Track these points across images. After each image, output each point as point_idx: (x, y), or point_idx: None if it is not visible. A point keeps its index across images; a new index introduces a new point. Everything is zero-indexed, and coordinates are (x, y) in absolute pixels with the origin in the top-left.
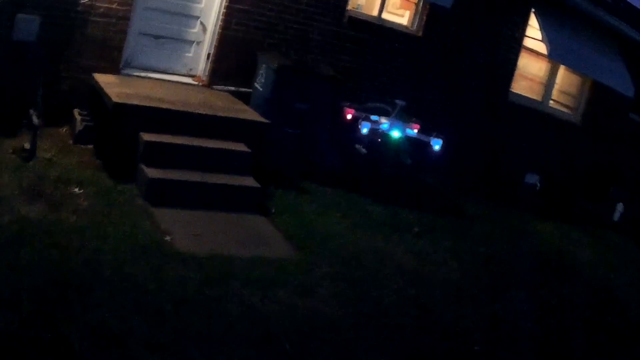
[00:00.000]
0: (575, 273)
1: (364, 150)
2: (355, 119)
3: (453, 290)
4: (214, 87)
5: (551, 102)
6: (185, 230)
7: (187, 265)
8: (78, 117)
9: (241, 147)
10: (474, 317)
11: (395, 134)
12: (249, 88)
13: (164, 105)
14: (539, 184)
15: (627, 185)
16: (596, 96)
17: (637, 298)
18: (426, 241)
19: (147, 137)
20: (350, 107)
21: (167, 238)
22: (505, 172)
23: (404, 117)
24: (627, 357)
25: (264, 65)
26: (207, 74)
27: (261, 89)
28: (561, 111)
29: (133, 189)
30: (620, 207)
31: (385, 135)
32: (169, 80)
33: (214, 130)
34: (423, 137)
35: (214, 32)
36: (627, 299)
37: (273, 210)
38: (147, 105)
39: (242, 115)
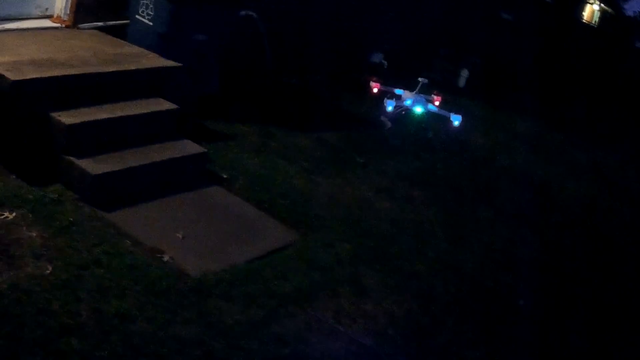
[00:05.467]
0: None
1: (389, 124)
2: (380, 93)
3: (450, 234)
4: (80, 26)
5: None
6: (168, 239)
7: (225, 299)
8: None
9: (164, 104)
10: (492, 263)
11: (418, 109)
12: (121, 20)
13: (68, 71)
14: (385, 62)
15: (463, 46)
16: None
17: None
18: (375, 172)
19: (66, 119)
20: (376, 81)
21: (165, 258)
22: (353, 58)
23: (426, 91)
24: None
25: None
26: (68, 12)
27: (151, 23)
28: None
29: (65, 192)
30: (464, 73)
31: (409, 110)
32: (27, 29)
33: (128, 90)
34: (443, 112)
35: None
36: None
37: (225, 176)
38: (50, 75)
39: (150, 63)
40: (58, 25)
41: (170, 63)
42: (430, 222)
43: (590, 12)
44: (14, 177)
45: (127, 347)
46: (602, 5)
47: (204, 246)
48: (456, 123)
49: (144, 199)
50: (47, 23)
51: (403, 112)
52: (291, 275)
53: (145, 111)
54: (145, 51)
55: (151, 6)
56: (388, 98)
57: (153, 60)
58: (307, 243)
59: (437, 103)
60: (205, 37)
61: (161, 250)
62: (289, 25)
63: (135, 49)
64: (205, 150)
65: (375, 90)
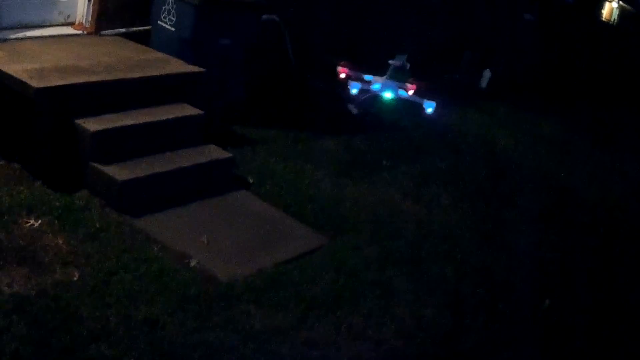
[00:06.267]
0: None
1: (355, 110)
2: (348, 78)
3: (477, 237)
4: (102, 33)
5: None
6: (196, 244)
7: (254, 303)
8: None
9: (189, 109)
10: (518, 266)
11: (388, 95)
12: (143, 26)
13: (92, 78)
14: (408, 64)
15: (486, 47)
16: None
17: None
18: (401, 175)
19: (91, 125)
20: (344, 65)
21: (193, 263)
22: (376, 60)
23: (399, 77)
24: None
25: (170, 0)
26: (89, 18)
27: (173, 29)
28: None
29: (92, 199)
30: (487, 73)
31: (377, 96)
32: (49, 36)
33: (153, 96)
34: (416, 99)
35: None
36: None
37: (251, 180)
38: (74, 82)
39: (174, 69)
40: (80, 32)
41: (194, 68)
42: (457, 225)
43: (609, 9)
44: (39, 184)
45: (156, 353)
46: (620, 2)
47: (232, 251)
48: (429, 110)
49: (170, 204)
50: (69, 30)
51: (371, 96)
52: (320, 279)
53: (170, 117)
54: (169, 57)
55: (173, 12)
56: (352, 80)
57: (177, 66)
58: (335, 247)
59: (411, 92)
60: (229, 42)
61: (189, 255)
62: (312, 28)
63: (159, 55)
64: (232, 155)
65: (342, 75)
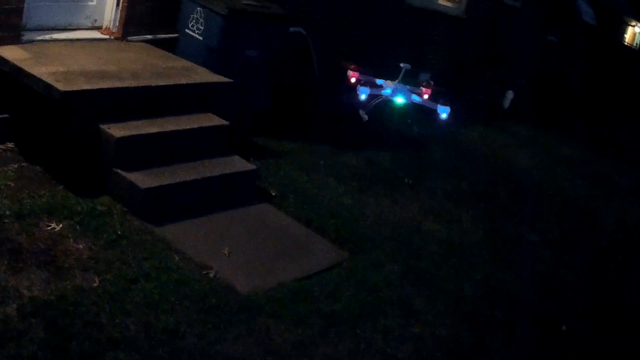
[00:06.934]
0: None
1: (366, 117)
2: (359, 82)
3: (497, 257)
4: (129, 38)
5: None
6: (216, 255)
7: (274, 317)
8: None
9: (215, 119)
10: (537, 287)
11: (399, 100)
12: (170, 34)
13: (118, 84)
14: (432, 82)
15: (509, 67)
16: None
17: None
18: (423, 193)
19: (116, 131)
20: (354, 69)
21: (211, 274)
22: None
23: (410, 81)
24: None
25: (199, 9)
26: (117, 24)
27: (201, 38)
28: (448, 7)
29: (114, 205)
30: (509, 94)
31: (389, 101)
32: (76, 39)
33: (178, 104)
34: (428, 104)
35: None
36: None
37: (274, 193)
38: (100, 87)
39: (200, 78)
40: (107, 37)
41: (220, 78)
42: (477, 245)
43: (632, 34)
44: (62, 187)
45: None
46: None
47: (253, 263)
48: (444, 115)
49: (193, 214)
50: (96, 34)
51: (382, 101)
52: (340, 295)
53: (195, 126)
54: (195, 65)
55: (201, 20)
56: (362, 85)
57: (203, 75)
58: (356, 263)
59: (425, 96)
60: (256, 53)
61: (209, 266)
62: (338, 42)
63: (185, 63)
64: (255, 167)
65: (353, 80)
